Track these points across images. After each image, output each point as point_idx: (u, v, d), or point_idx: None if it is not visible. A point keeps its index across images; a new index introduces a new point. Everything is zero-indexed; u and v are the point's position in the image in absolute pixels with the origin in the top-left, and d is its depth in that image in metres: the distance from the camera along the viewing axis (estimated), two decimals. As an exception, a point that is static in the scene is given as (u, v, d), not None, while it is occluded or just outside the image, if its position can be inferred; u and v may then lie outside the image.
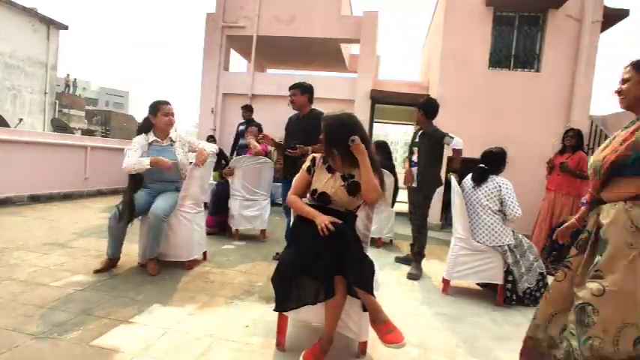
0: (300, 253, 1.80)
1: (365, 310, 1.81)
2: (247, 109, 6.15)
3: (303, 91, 3.37)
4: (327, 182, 2.00)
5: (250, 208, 4.21)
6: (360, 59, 7.63)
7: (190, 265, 3.04)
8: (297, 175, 2.13)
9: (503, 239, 2.84)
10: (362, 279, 1.72)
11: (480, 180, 2.94)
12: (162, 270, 2.88)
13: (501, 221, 2.88)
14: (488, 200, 2.88)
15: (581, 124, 5.73)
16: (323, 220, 1.78)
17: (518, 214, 2.85)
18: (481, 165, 2.98)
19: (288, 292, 1.77)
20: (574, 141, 4.23)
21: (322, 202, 1.99)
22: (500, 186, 2.87)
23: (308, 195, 2.08)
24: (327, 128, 2.02)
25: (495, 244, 2.84)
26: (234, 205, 4.20)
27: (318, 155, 2.13)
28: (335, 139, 1.99)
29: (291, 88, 3.42)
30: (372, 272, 1.81)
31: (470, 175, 3.08)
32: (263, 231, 4.37)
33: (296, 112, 3.50)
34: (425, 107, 3.57)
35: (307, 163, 2.11)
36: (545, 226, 4.35)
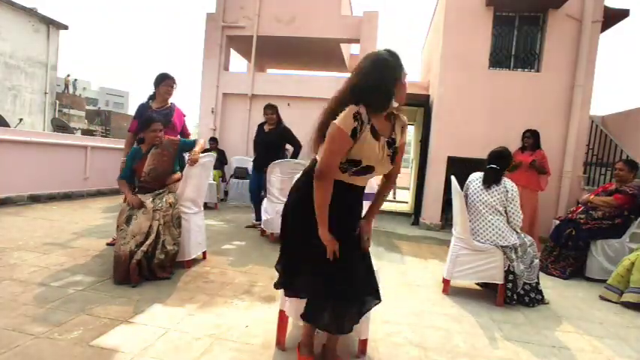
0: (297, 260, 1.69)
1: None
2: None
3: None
4: (378, 152, 1.52)
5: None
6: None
7: (189, 264, 3.05)
8: (335, 142, 1.44)
9: (510, 239, 2.83)
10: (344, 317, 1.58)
11: (495, 181, 2.88)
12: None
13: (506, 222, 2.89)
14: (495, 201, 2.87)
15: (582, 124, 5.73)
16: (333, 248, 1.53)
17: (520, 222, 2.87)
18: (492, 166, 2.92)
19: (292, 270, 1.68)
20: (532, 141, 4.88)
21: (359, 174, 1.55)
22: (507, 189, 2.86)
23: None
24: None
25: (502, 244, 2.83)
26: (271, 208, 4.19)
27: (362, 110, 1.47)
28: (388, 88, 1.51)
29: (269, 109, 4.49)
30: (362, 307, 1.65)
31: (476, 175, 3.06)
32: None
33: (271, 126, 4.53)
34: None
35: (349, 121, 1.42)
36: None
